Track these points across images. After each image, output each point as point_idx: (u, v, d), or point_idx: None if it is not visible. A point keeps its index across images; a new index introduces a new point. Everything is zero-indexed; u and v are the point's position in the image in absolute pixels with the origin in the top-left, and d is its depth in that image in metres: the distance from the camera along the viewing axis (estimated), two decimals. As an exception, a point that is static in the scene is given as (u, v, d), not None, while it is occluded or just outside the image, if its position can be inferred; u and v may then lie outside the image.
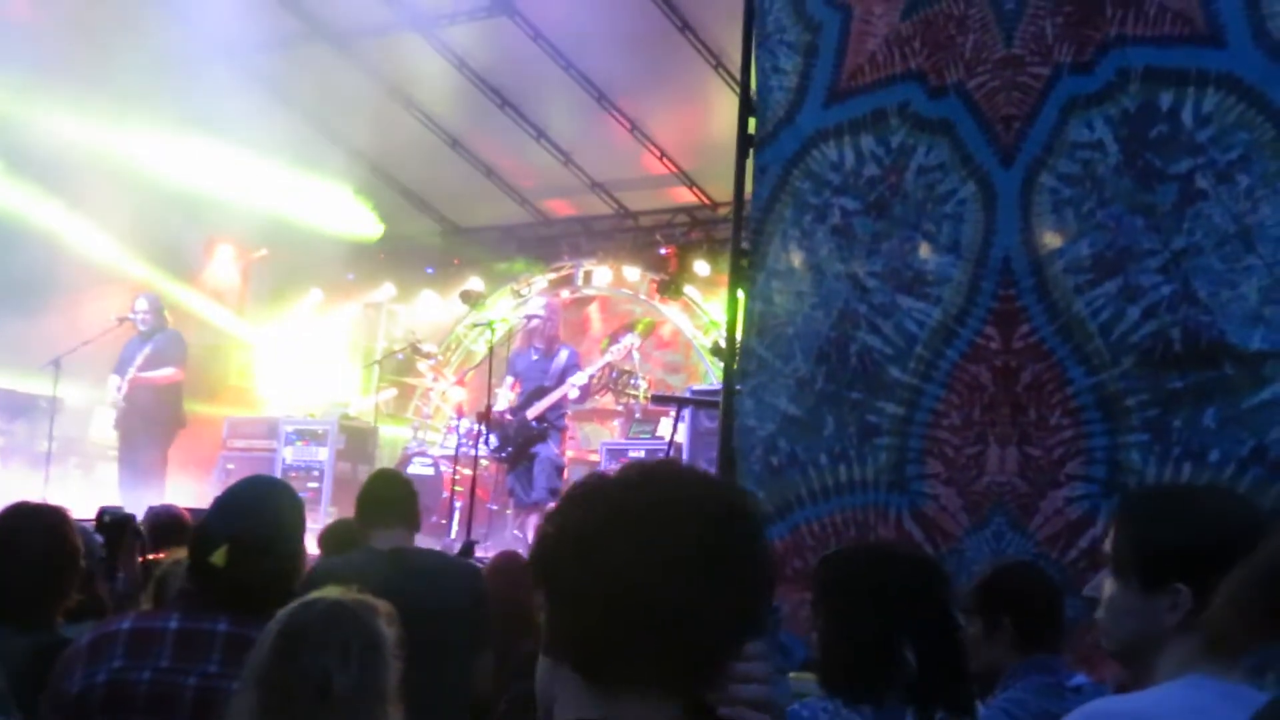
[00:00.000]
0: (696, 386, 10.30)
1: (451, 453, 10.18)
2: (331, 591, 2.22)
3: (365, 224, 13.49)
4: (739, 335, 5.05)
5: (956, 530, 4.30)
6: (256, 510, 2.82)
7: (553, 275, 13.75)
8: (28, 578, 3.04)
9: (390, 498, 4.60)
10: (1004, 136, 4.44)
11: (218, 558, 2.65)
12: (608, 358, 9.90)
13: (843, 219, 4.78)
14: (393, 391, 13.39)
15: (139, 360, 9.90)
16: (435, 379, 12.38)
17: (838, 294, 4.73)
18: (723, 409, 5.09)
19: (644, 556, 1.35)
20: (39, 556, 3.07)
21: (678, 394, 10.22)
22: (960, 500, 4.31)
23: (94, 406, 11.10)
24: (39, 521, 3.16)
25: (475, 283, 13.75)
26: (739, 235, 5.27)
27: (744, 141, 5.15)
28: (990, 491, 4.27)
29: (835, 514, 4.56)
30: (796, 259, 4.90)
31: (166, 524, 5.10)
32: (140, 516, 5.42)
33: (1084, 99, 4.29)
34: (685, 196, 12.65)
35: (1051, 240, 4.32)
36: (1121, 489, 4.01)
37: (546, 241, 14.13)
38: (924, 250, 4.60)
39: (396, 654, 2.16)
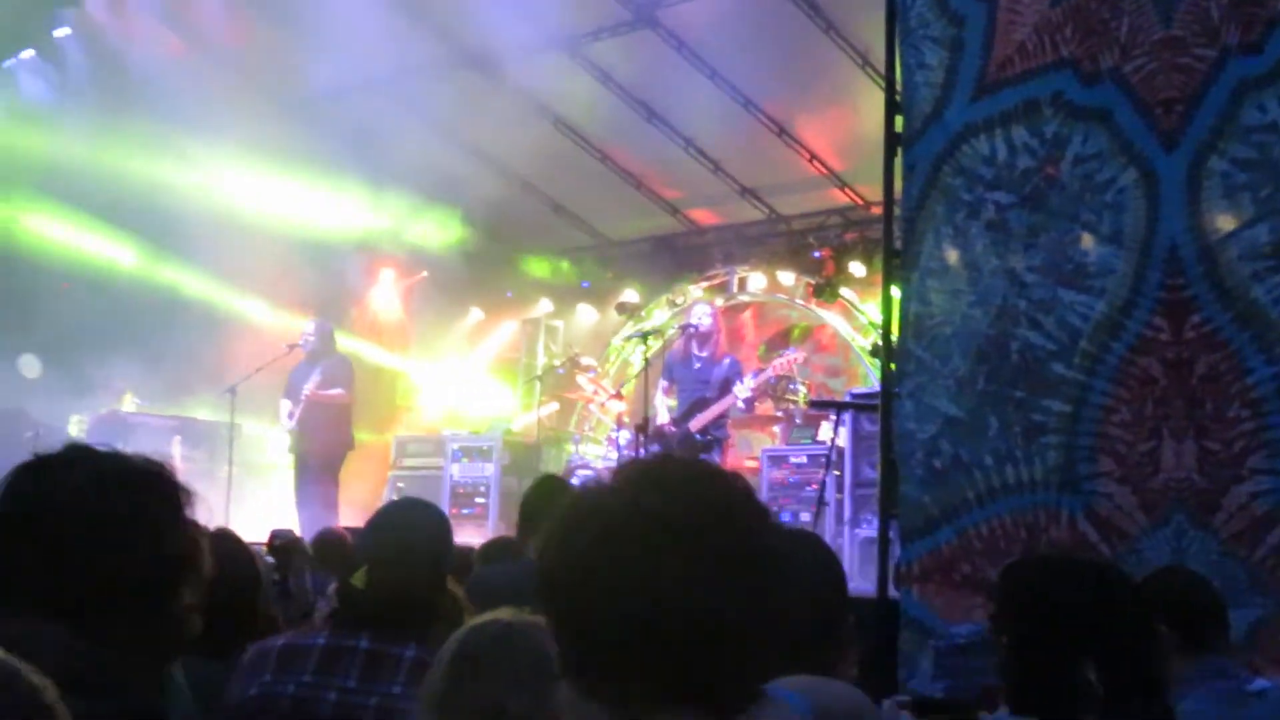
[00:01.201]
0: (856, 389, 10.17)
1: (614, 464, 10.24)
2: (502, 613, 2.24)
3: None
4: (895, 337, 4.97)
5: (1133, 530, 4.16)
6: (396, 530, 2.89)
7: (706, 284, 13.74)
8: (217, 605, 3.12)
9: (547, 505, 4.64)
10: (1164, 121, 4.28)
11: (358, 578, 2.73)
12: (772, 370, 9.83)
13: (997, 213, 4.67)
14: (554, 406, 13.55)
15: (309, 384, 10.20)
16: (595, 391, 12.50)
17: (995, 290, 4.62)
18: (881, 413, 5.02)
19: (657, 571, 1.30)
20: (224, 581, 3.16)
21: (837, 398, 10.11)
22: (1135, 499, 4.16)
23: (268, 431, 11.49)
24: (221, 547, 3.25)
25: (631, 295, 13.83)
26: (890, 235, 5.19)
27: (892, 140, 5.08)
28: (1168, 489, 4.11)
29: (1004, 516, 4.44)
30: (951, 257, 4.81)
31: (332, 545, 5.25)
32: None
33: (1255, 80, 4.11)
34: (837, 198, 12.52)
35: (1224, 226, 4.14)
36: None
37: (699, 250, 14.14)
38: (1084, 241, 4.47)
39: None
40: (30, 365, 11.44)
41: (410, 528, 2.90)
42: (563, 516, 1.40)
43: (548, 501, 4.70)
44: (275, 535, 4.32)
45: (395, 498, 11.32)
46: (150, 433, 11.29)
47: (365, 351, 13.04)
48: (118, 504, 1.71)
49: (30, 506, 1.67)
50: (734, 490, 1.41)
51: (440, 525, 2.98)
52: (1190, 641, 3.12)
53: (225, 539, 3.31)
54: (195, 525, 1.80)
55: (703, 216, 13.83)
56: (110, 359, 11.34)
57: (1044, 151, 4.57)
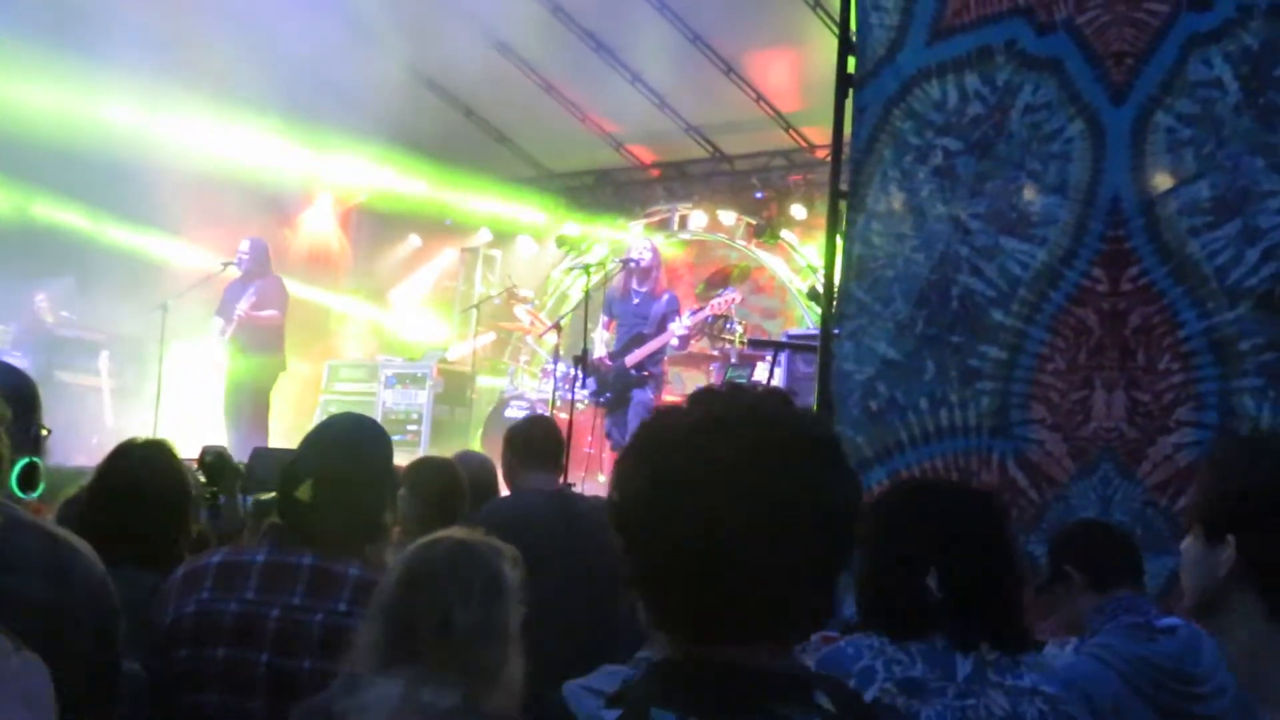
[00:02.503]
0: (793, 331, 10.23)
1: (548, 397, 10.25)
2: (456, 532, 2.25)
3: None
4: (837, 278, 4.99)
5: (1062, 476, 4.24)
6: (342, 447, 2.85)
7: (647, 220, 13.71)
8: (149, 515, 3.09)
9: (550, 442, 4.80)
10: (1115, 74, 4.31)
11: (302, 493, 2.70)
12: (710, 309, 9.86)
13: (945, 159, 4.69)
14: (490, 336, 13.50)
15: (243, 304, 10.08)
16: (532, 323, 12.46)
17: (939, 236, 4.65)
18: (820, 353, 5.05)
19: (731, 508, 1.30)
20: (158, 493, 3.13)
21: (774, 338, 10.17)
22: (1066, 446, 4.24)
23: (198, 349, 11.34)
24: (155, 459, 3.22)
25: (570, 227, 13.77)
26: (837, 177, 5.20)
27: (843, 81, 5.06)
28: (1097, 437, 4.19)
29: (936, 459, 4.51)
30: (897, 201, 4.83)
31: (267, 464, 5.20)
32: (245, 458, 5.55)
33: (1203, 35, 4.14)
34: (782, 139, 12.51)
35: (1165, 181, 4.20)
36: (1233, 435, 3.91)
37: (641, 185, 14.09)
38: (1029, 191, 4.51)
39: (520, 597, 2.18)
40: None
41: (357, 444, 2.87)
42: (638, 445, 1.40)
43: (548, 438, 4.81)
44: (206, 451, 4.26)
45: (326, 421, 11.26)
46: (78, 347, 11.10)
47: (299, 273, 12.87)
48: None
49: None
50: (808, 425, 1.43)
51: (385, 443, 2.96)
52: (1097, 581, 3.23)
53: (160, 450, 3.27)
54: None
55: (646, 152, 13.77)
56: (35, 275, 11.10)
57: (994, 99, 4.59)
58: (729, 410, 1.38)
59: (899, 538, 2.34)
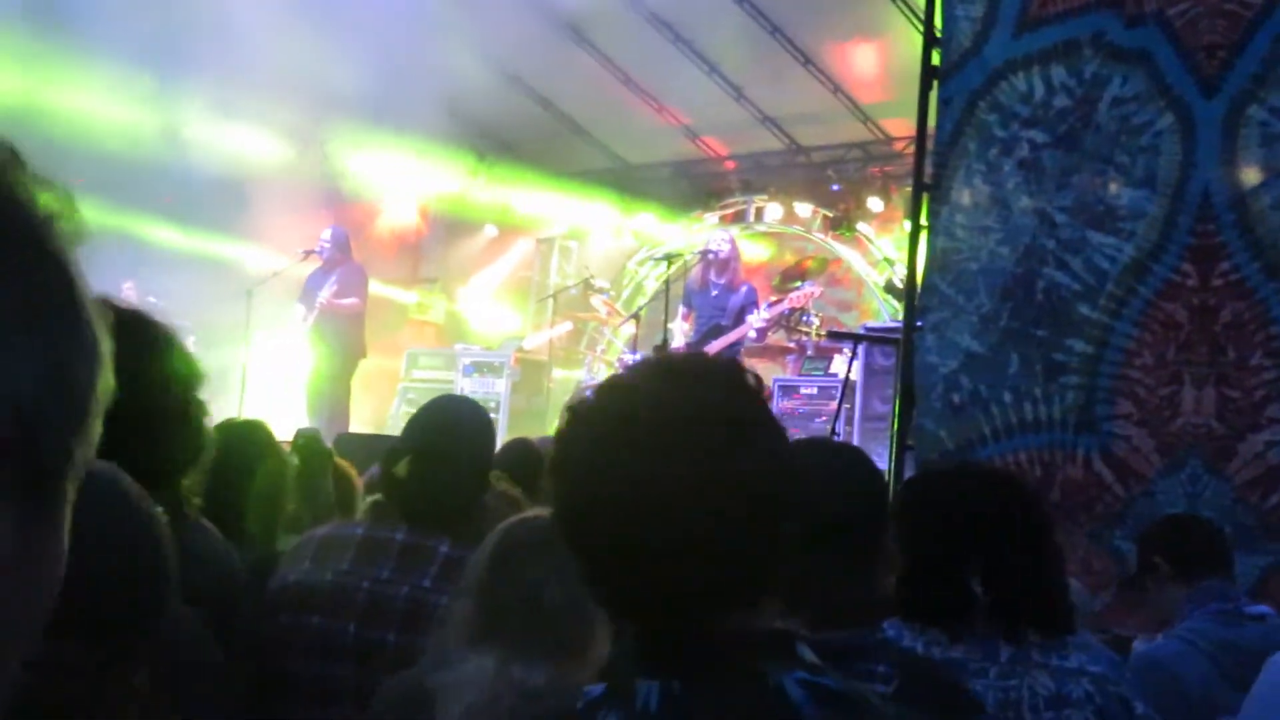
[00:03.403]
0: (870, 324, 10.20)
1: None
2: (546, 512, 2.29)
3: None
4: (919, 271, 4.99)
5: (1149, 472, 4.21)
6: (440, 426, 2.92)
7: (723, 211, 13.71)
8: (248, 494, 3.18)
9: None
10: (1206, 66, 4.27)
11: (400, 469, 2.77)
12: (788, 302, 9.85)
13: (1031, 152, 4.67)
14: (567, 326, 13.58)
15: (324, 292, 10.23)
16: (608, 314, 12.52)
17: (1024, 229, 4.63)
18: (903, 345, 5.05)
19: (640, 477, 1.28)
20: (256, 473, 3.22)
21: (852, 331, 10.14)
22: (1153, 442, 4.21)
23: (282, 336, 11.53)
24: (254, 437, 3.31)
25: (647, 219, 13.81)
26: (921, 170, 5.19)
27: (928, 73, 5.05)
28: (1185, 433, 4.15)
29: (1019, 452, 4.49)
30: (981, 193, 4.81)
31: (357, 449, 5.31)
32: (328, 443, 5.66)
33: (1299, 28, 4.09)
34: (859, 131, 12.44)
35: (1258, 175, 4.15)
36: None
37: (717, 177, 14.09)
38: (1116, 184, 4.47)
39: None
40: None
41: (455, 423, 2.94)
42: (555, 464, 1.38)
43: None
44: (299, 434, 4.37)
45: (406, 409, 11.40)
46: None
47: (378, 262, 13.03)
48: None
49: None
50: (740, 389, 1.39)
51: (486, 425, 3.02)
52: (1185, 571, 3.22)
53: (259, 429, 3.37)
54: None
55: (721, 144, 13.76)
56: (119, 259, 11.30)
57: (1082, 92, 4.56)
58: (616, 415, 1.35)
59: (935, 533, 2.34)
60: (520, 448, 4.49)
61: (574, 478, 1.34)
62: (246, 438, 3.29)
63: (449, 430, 2.90)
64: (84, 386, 0.64)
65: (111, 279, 11.54)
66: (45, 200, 0.63)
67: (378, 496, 2.89)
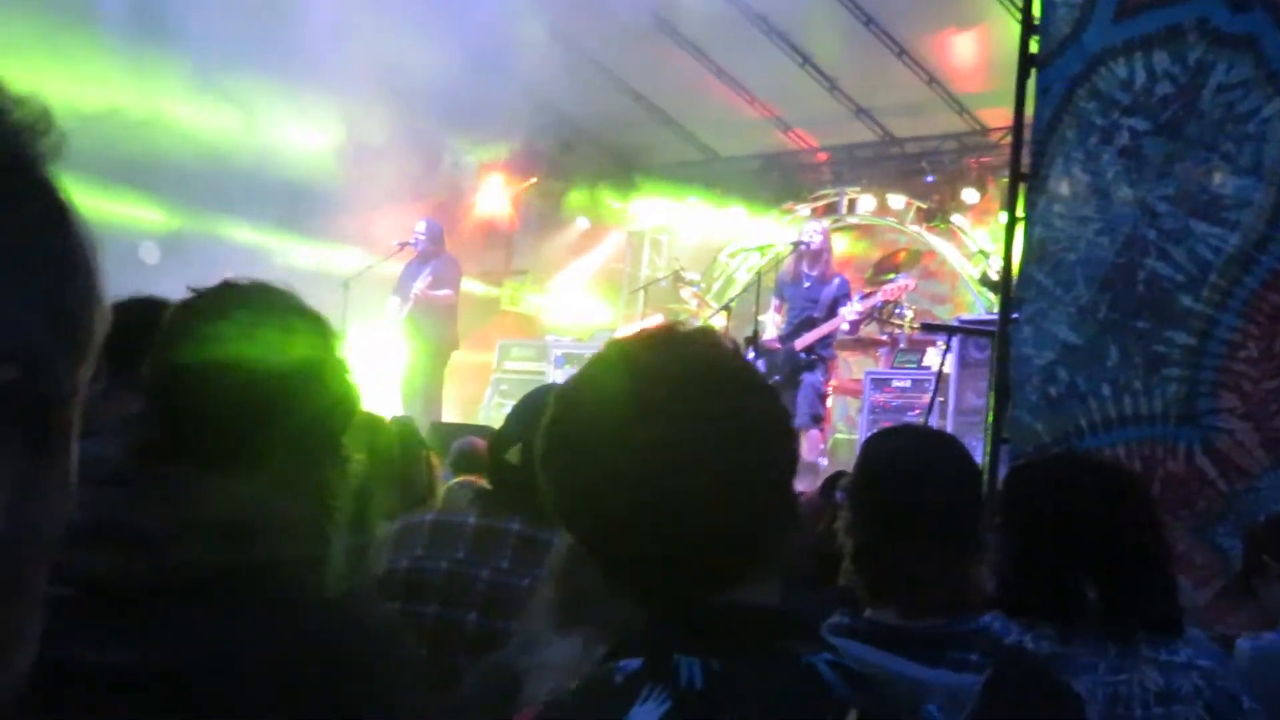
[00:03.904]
0: (964, 316, 10.08)
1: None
2: None
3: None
4: (1016, 262, 4.91)
5: (1254, 468, 4.10)
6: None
7: (815, 204, 13.63)
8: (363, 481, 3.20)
9: None
10: (1316, 51, 4.15)
11: (512, 455, 2.78)
12: (882, 294, 9.78)
13: (1131, 140, 4.57)
14: (657, 319, 13.59)
15: (419, 283, 10.36)
16: (698, 306, 12.51)
17: (1124, 218, 4.54)
18: (998, 337, 4.98)
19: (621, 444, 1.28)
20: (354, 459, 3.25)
21: (946, 323, 10.03)
22: (1258, 436, 4.10)
23: (377, 327, 11.69)
24: (359, 425, 3.35)
25: (738, 211, 13.77)
26: (1018, 159, 5.11)
27: (1026, 61, 4.97)
28: (1292, 428, 4.05)
29: (1118, 446, 4.40)
30: (1080, 182, 4.72)
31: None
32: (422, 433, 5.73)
33: None
34: (954, 122, 12.30)
35: (1369, 161, 4.02)
36: None
37: (809, 169, 14.01)
38: (1221, 172, 4.36)
39: None
40: (150, 251, 11.71)
41: None
42: (545, 456, 1.38)
43: None
44: (394, 421, 4.44)
45: (498, 399, 11.51)
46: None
47: (471, 254, 13.15)
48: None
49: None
50: (722, 347, 1.39)
51: None
52: None
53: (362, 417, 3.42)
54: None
55: (813, 136, 13.68)
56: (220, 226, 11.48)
57: (1185, 79, 4.46)
58: (611, 391, 1.34)
59: (1042, 526, 2.30)
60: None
61: (582, 459, 1.33)
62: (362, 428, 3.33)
63: None
64: (83, 315, 0.64)
65: (209, 276, 11.73)
66: (25, 118, 0.62)
67: (468, 479, 2.91)
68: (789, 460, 1.37)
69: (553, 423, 1.37)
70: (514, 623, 2.64)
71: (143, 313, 1.88)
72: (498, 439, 2.87)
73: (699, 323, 12.76)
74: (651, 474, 1.27)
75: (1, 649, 0.63)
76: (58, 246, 0.63)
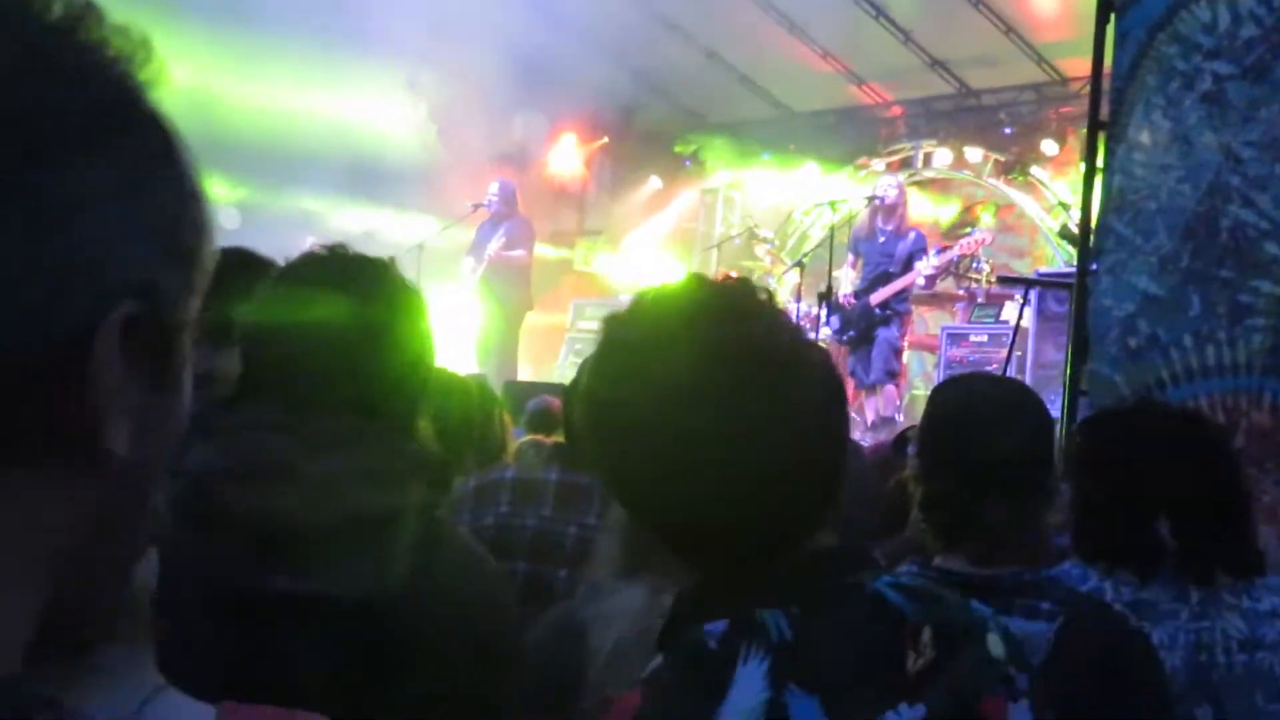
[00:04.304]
0: (1043, 269, 9.92)
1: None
2: None
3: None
4: (1094, 212, 4.83)
5: (1341, 417, 4.01)
6: None
7: (889, 158, 13.47)
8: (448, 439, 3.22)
9: None
10: None
11: None
12: (958, 249, 9.66)
13: (1214, 85, 4.45)
14: (732, 276, 13.54)
15: (492, 244, 10.41)
16: (772, 263, 12.44)
17: (1207, 165, 4.42)
18: (1076, 289, 4.90)
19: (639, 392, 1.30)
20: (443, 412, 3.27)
21: (1024, 275, 9.89)
22: (1345, 386, 4.01)
23: (451, 288, 11.78)
24: (440, 383, 3.39)
25: (811, 167, 13.66)
26: (1096, 107, 5.01)
27: (1104, 8, 4.86)
28: (1382, 377, 3.94)
29: (1200, 398, 4.32)
30: (1161, 129, 4.62)
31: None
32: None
33: None
34: (1033, 72, 12.07)
35: None
36: None
37: (883, 124, 13.85)
38: (1309, 116, 4.24)
39: None
40: (230, 217, 11.89)
41: None
42: (591, 431, 1.39)
43: None
44: (470, 379, 4.46)
45: (573, 359, 11.55)
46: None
47: (544, 214, 13.18)
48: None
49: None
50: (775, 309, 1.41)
51: None
52: None
53: (442, 375, 3.45)
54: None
55: (888, 90, 13.50)
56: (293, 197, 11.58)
57: (1271, 20, 4.33)
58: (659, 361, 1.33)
59: (1120, 474, 2.27)
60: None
61: (636, 443, 1.33)
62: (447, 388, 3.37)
63: None
64: (196, 246, 0.65)
65: (285, 243, 11.85)
66: (125, 48, 0.62)
67: (537, 437, 2.93)
68: (845, 421, 1.40)
69: (601, 402, 1.37)
70: None
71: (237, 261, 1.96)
72: (573, 395, 2.89)
73: (774, 280, 12.73)
74: (708, 460, 1.28)
75: (125, 561, 0.68)
76: (171, 177, 0.64)
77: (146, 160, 0.63)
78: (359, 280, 1.71)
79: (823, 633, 1.26)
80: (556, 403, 5.45)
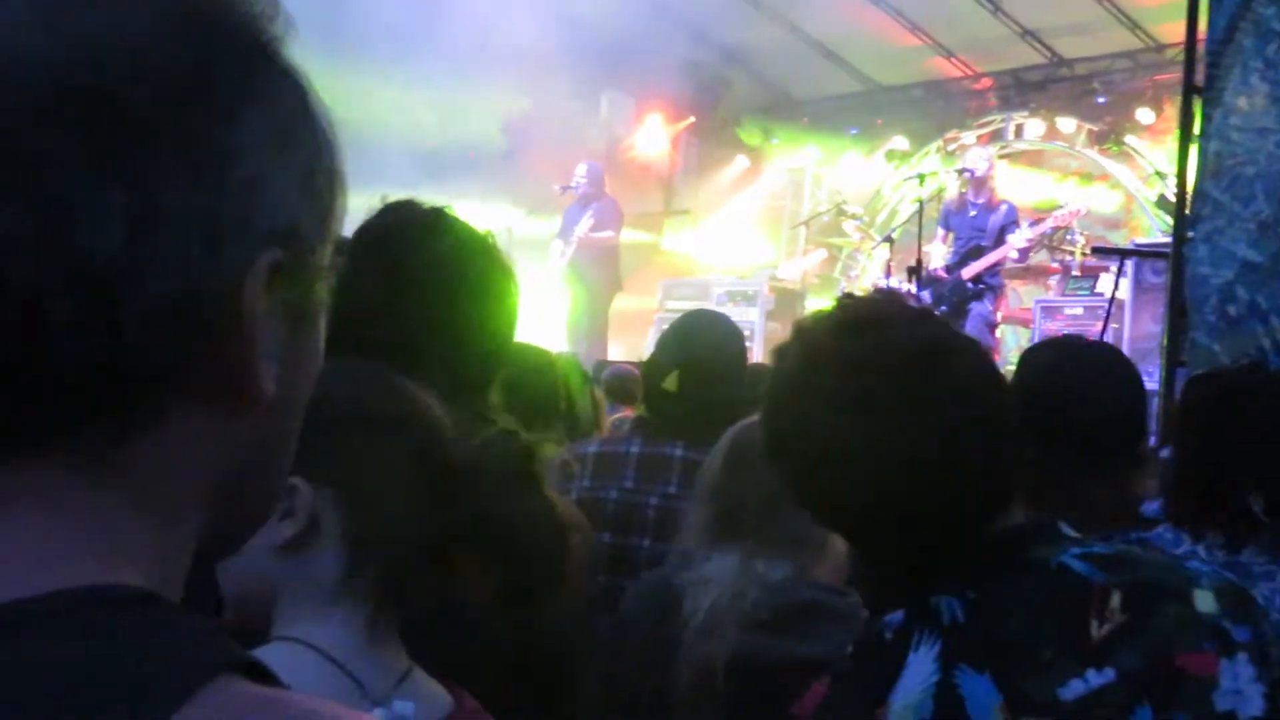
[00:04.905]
0: (1139, 240, 9.73)
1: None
2: None
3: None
4: (1191, 179, 4.74)
5: None
6: (702, 338, 2.95)
7: (980, 131, 13.28)
8: (524, 411, 3.26)
9: None
10: None
11: (670, 383, 2.81)
12: (1052, 221, 9.51)
13: (1315, 46, 4.34)
14: (821, 254, 13.48)
15: (581, 226, 10.46)
16: (861, 239, 12.35)
17: (1308, 129, 4.32)
18: (1173, 257, 4.81)
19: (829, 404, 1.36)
20: (530, 385, 3.32)
21: (1119, 246, 9.71)
22: None
23: (540, 270, 11.85)
24: (526, 358, 3.43)
25: (899, 142, 13.52)
26: (1191, 72, 4.91)
27: (1199, -31, 4.77)
28: None
29: (1302, 366, 4.23)
30: (1259, 93, 4.51)
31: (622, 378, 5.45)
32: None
33: None
34: (1127, 40, 11.81)
35: None
36: None
37: (973, 95, 13.64)
38: None
39: None
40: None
41: (716, 337, 2.98)
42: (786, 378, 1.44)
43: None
44: (559, 357, 4.51)
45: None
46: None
47: (632, 195, 13.19)
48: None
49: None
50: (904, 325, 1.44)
51: (740, 337, 3.05)
52: None
53: (530, 350, 3.50)
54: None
55: (977, 61, 13.30)
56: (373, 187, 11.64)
57: (1374, -24, 4.21)
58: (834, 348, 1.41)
59: (1216, 443, 2.24)
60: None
61: (815, 457, 1.40)
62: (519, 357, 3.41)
63: (713, 343, 2.92)
64: (329, 194, 0.69)
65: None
66: (256, 4, 0.65)
67: (627, 414, 2.96)
68: (1002, 403, 1.43)
69: (776, 427, 1.45)
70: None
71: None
72: (651, 367, 2.91)
73: (863, 256, 12.65)
74: (884, 466, 1.34)
75: (270, 495, 0.74)
76: (309, 128, 0.67)
77: (289, 111, 0.66)
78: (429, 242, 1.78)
79: (996, 611, 1.30)
80: (633, 371, 5.54)
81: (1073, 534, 1.38)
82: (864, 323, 1.41)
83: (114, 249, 0.57)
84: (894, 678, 1.31)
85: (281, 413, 0.68)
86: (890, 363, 1.36)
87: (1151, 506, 2.53)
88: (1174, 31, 10.79)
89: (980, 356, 1.46)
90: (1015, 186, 11.62)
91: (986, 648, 1.29)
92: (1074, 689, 1.25)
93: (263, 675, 0.58)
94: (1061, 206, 9.81)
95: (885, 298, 1.52)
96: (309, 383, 0.71)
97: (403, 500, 1.34)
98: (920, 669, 1.30)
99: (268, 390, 0.64)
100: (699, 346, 2.90)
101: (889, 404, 1.33)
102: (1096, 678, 1.25)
